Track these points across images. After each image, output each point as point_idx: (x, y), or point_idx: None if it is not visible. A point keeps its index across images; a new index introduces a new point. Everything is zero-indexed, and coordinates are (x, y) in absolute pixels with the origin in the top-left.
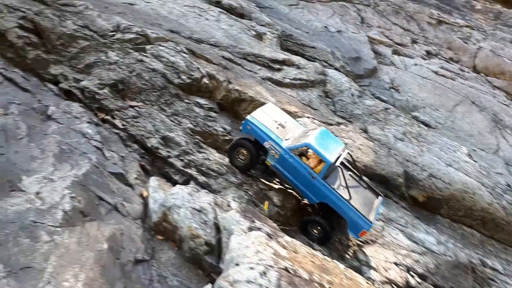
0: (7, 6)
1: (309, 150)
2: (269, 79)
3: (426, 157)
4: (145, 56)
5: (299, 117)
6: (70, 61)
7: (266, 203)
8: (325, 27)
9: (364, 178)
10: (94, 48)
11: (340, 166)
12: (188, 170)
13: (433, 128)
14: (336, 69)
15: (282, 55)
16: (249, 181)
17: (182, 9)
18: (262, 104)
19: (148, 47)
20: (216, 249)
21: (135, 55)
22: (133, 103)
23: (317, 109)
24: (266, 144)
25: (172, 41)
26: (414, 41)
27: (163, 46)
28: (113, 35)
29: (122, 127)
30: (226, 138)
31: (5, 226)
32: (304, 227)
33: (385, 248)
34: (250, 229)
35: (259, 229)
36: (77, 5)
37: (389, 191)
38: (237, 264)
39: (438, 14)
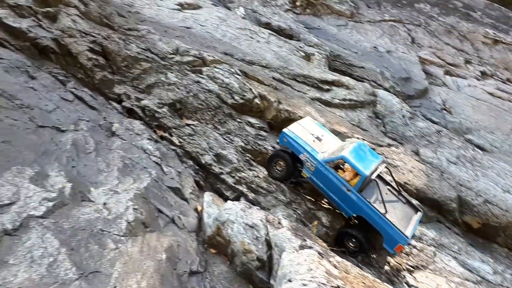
0: (80, 31)
1: (345, 163)
2: (318, 99)
3: (482, 182)
4: (201, 77)
5: (348, 137)
6: (133, 81)
7: (315, 223)
8: (374, 47)
9: (403, 193)
10: (154, 69)
11: (377, 179)
12: (239, 187)
13: (489, 152)
14: (385, 89)
15: (331, 76)
16: (297, 200)
17: (235, 32)
18: None
19: (204, 69)
20: (267, 265)
21: (192, 76)
22: (189, 122)
23: (366, 130)
24: (302, 156)
25: (227, 63)
26: (467, 62)
27: (218, 68)
28: (173, 57)
29: (178, 144)
30: None
31: (77, 233)
32: (340, 239)
33: (436, 275)
34: (302, 247)
35: (310, 247)
36: (140, 30)
37: (442, 216)
38: (290, 280)
39: (494, 33)
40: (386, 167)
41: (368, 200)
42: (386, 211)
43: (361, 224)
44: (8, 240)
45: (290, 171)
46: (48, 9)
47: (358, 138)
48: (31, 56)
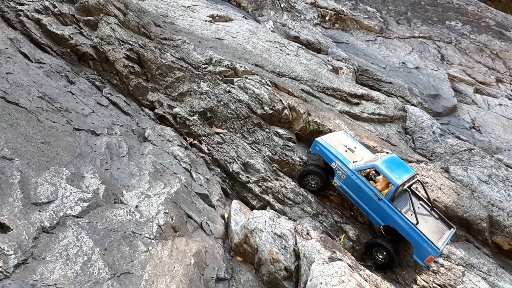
0: (118, 39)
1: (377, 175)
2: (347, 112)
3: None
4: (232, 87)
5: (378, 151)
6: (166, 89)
7: (342, 237)
8: (403, 63)
9: (436, 210)
10: (188, 78)
11: (409, 190)
12: (265, 196)
13: None
14: (413, 105)
15: (361, 90)
16: (324, 213)
17: (265, 44)
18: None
19: (235, 79)
20: (294, 276)
21: (224, 86)
22: (219, 130)
23: (396, 145)
24: (333, 165)
25: (258, 74)
26: (499, 80)
27: (249, 79)
28: (206, 67)
29: (207, 151)
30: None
31: (110, 234)
32: (369, 250)
33: None
34: (331, 259)
35: (340, 260)
36: (176, 40)
37: (471, 236)
38: None
39: None
40: (418, 180)
41: (399, 210)
42: (418, 222)
43: (391, 237)
44: (45, 238)
45: (324, 183)
46: (90, 17)
47: (388, 152)
48: (71, 62)
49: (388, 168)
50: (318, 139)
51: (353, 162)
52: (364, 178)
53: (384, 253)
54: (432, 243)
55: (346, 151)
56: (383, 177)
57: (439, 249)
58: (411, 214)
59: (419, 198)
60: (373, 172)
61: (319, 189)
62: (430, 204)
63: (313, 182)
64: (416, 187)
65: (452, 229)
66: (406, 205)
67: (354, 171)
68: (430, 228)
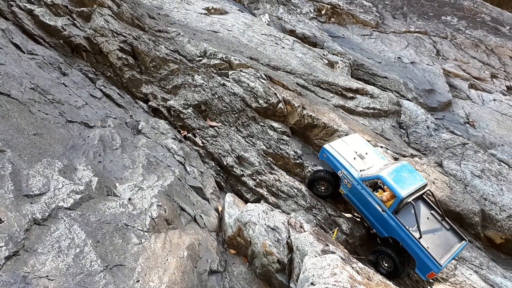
0: (112, 31)
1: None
2: (342, 106)
3: (506, 197)
4: (227, 80)
5: (372, 145)
6: (160, 82)
7: (336, 230)
8: (398, 58)
9: (447, 220)
10: (182, 71)
11: (413, 203)
12: (259, 190)
13: None
14: (408, 100)
15: (356, 84)
16: (318, 206)
17: (261, 38)
18: (335, 130)
19: (230, 72)
20: (287, 268)
21: (218, 79)
22: (213, 123)
23: (390, 139)
24: (339, 173)
25: (252, 68)
26: (494, 76)
27: (244, 72)
28: (200, 60)
29: (201, 144)
30: (297, 161)
31: (103, 226)
32: (375, 258)
33: None
34: (324, 251)
35: (333, 252)
36: (170, 32)
37: (463, 230)
38: (313, 284)
39: None
40: (428, 190)
41: (402, 223)
42: (421, 236)
43: (397, 245)
44: (37, 229)
45: (335, 189)
46: (83, 8)
47: (381, 147)
48: (64, 53)
49: (394, 179)
50: (326, 146)
51: (361, 171)
52: (369, 189)
53: (390, 261)
54: (434, 259)
55: (354, 158)
56: (387, 187)
57: (441, 266)
58: (416, 227)
59: (431, 207)
60: (379, 180)
61: (330, 194)
62: (441, 214)
63: (323, 188)
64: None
65: (464, 241)
66: (412, 217)
67: (359, 181)
68: (437, 241)
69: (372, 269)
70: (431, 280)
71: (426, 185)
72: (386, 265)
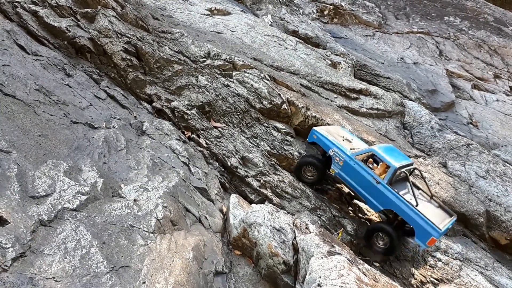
0: (116, 32)
1: (375, 164)
2: (346, 107)
3: (511, 198)
4: (231, 81)
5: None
6: (164, 83)
7: (341, 231)
8: (401, 58)
9: (435, 198)
10: (186, 72)
11: (407, 173)
12: (264, 191)
13: None
14: (411, 100)
15: (359, 85)
16: (322, 207)
17: (264, 39)
18: None
19: (234, 73)
20: (293, 270)
21: (222, 80)
22: (217, 124)
23: (394, 140)
24: (331, 151)
25: (256, 69)
26: (497, 76)
27: (248, 72)
28: (204, 61)
29: (206, 145)
30: None
31: (108, 227)
32: (369, 237)
33: None
34: (330, 253)
35: (339, 254)
36: (174, 33)
37: (468, 230)
38: (320, 285)
39: None
40: (417, 169)
41: (397, 192)
42: (417, 204)
43: (392, 222)
44: (43, 231)
45: (320, 175)
46: (87, 9)
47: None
48: (68, 55)
49: (385, 151)
50: (315, 128)
51: (351, 149)
52: (362, 163)
53: (385, 238)
54: (433, 223)
55: (343, 140)
56: (381, 163)
57: (441, 230)
58: (411, 198)
59: (418, 188)
60: (371, 160)
61: (315, 181)
62: (429, 194)
63: (309, 174)
64: (417, 175)
65: (453, 216)
66: (405, 189)
67: (351, 156)
68: (431, 212)
69: (378, 271)
70: (436, 281)
71: (413, 164)
72: (380, 243)
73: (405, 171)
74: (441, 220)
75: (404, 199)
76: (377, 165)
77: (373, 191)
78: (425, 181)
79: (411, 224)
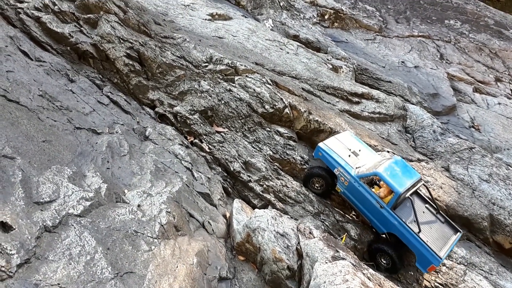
0: (119, 38)
1: (382, 181)
2: (347, 111)
3: None
4: (233, 86)
5: (379, 150)
6: (166, 88)
7: (344, 236)
8: (402, 62)
9: (442, 212)
10: (188, 77)
11: (411, 197)
12: (267, 196)
13: None
14: (412, 104)
15: (361, 89)
16: (326, 212)
17: (265, 43)
18: None
19: (236, 78)
20: (297, 275)
21: (225, 85)
22: (220, 129)
23: (396, 144)
24: (336, 171)
25: (258, 73)
26: (498, 79)
27: (250, 77)
28: (206, 66)
29: (208, 150)
30: (304, 166)
31: (112, 233)
32: (372, 254)
33: None
34: (334, 258)
35: (343, 258)
36: (176, 38)
37: (472, 235)
38: None
39: None
40: (424, 184)
41: (401, 218)
42: (420, 230)
43: (394, 241)
44: (48, 237)
45: (329, 186)
46: (90, 15)
47: (388, 151)
48: (71, 60)
49: (390, 174)
50: (320, 144)
51: (356, 168)
52: (366, 186)
53: (388, 258)
54: (434, 252)
55: (349, 155)
56: (385, 183)
57: (441, 258)
58: (414, 221)
59: (425, 201)
60: (377, 177)
61: (323, 192)
62: (435, 207)
63: (318, 185)
64: (423, 189)
65: (458, 233)
66: (409, 211)
67: (356, 178)
68: (434, 235)
69: (383, 276)
70: (440, 286)
71: (420, 179)
72: (384, 261)
73: (411, 193)
74: (444, 243)
75: (407, 225)
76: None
77: (377, 214)
78: (430, 195)
79: (412, 250)
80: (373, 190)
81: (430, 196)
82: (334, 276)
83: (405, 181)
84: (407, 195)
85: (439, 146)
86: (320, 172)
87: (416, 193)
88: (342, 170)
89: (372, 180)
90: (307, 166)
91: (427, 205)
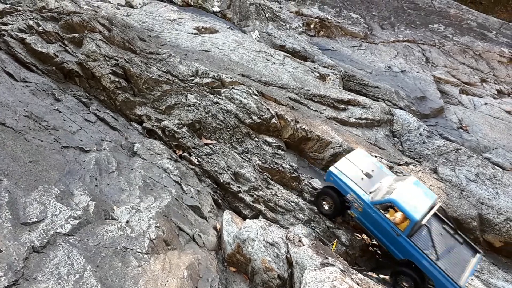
0: (104, 55)
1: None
2: (335, 118)
3: (503, 200)
4: (220, 98)
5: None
6: (153, 103)
7: (335, 242)
8: (389, 67)
9: (460, 232)
10: (175, 91)
11: (428, 225)
12: (257, 205)
13: (508, 170)
14: (400, 108)
15: (347, 96)
16: (316, 219)
17: (251, 54)
18: (329, 142)
19: (223, 90)
20: (288, 283)
21: (211, 97)
22: (208, 141)
23: (384, 149)
24: (349, 197)
25: (244, 85)
26: (483, 80)
27: (236, 89)
28: (192, 79)
29: (197, 163)
30: (293, 175)
31: (102, 250)
32: (394, 278)
33: None
34: (323, 264)
35: (332, 265)
36: (162, 53)
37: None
38: None
39: (510, 52)
40: (440, 206)
41: (418, 245)
42: (438, 258)
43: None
44: (36, 257)
45: (339, 209)
46: (74, 34)
47: (376, 156)
48: (57, 80)
49: (406, 200)
50: (332, 168)
51: (370, 193)
52: (381, 212)
53: (410, 281)
54: (454, 281)
55: (362, 178)
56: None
57: (461, 287)
58: (432, 247)
59: (442, 221)
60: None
61: (331, 214)
62: (453, 227)
63: (327, 206)
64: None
65: (478, 254)
66: (427, 237)
67: (370, 205)
68: (453, 260)
69: (373, 280)
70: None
71: (437, 201)
72: (406, 285)
73: (427, 220)
74: (464, 268)
75: (424, 253)
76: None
77: (394, 241)
78: (447, 216)
79: (431, 278)
80: (387, 215)
81: (447, 217)
82: (322, 282)
83: (421, 206)
84: (423, 222)
85: (426, 149)
86: (331, 193)
87: (430, 231)
88: (355, 196)
89: (387, 209)
90: (298, 174)
91: (444, 226)
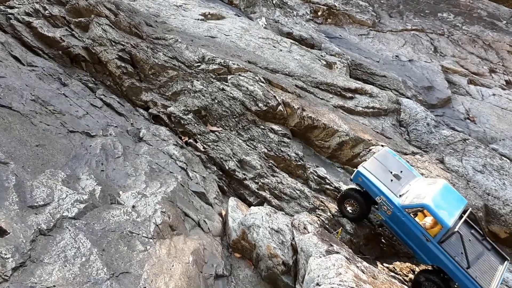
0: (110, 40)
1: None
2: (341, 107)
3: (509, 191)
4: (226, 85)
5: (373, 145)
6: (160, 89)
7: (340, 230)
8: (396, 56)
9: (488, 239)
10: (181, 77)
11: (460, 232)
12: (262, 193)
13: None
14: (407, 98)
15: (354, 84)
16: (321, 207)
17: (258, 41)
18: (335, 131)
19: (229, 77)
20: (292, 270)
21: (218, 84)
22: (214, 128)
23: (390, 138)
24: (378, 199)
25: (251, 71)
26: (492, 71)
27: (243, 76)
28: (199, 65)
29: (203, 150)
30: (299, 163)
31: (107, 234)
32: (418, 282)
33: None
34: (328, 252)
35: (337, 252)
36: (168, 39)
37: None
38: (318, 284)
39: None
40: (471, 212)
41: (449, 252)
42: (469, 266)
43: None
44: (43, 240)
45: (364, 212)
46: (81, 19)
47: (382, 145)
48: (63, 64)
49: (438, 205)
50: (360, 168)
51: (400, 196)
52: (411, 216)
53: (435, 286)
54: None
55: (391, 180)
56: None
57: None
58: (462, 254)
59: (471, 226)
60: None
61: (355, 217)
62: (482, 233)
63: (350, 209)
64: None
65: (506, 261)
66: (458, 244)
67: (401, 209)
68: (483, 267)
69: (377, 268)
70: None
71: (467, 205)
72: None
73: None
74: (493, 275)
75: (455, 260)
76: None
77: (423, 247)
78: (477, 222)
79: (460, 285)
80: (417, 219)
81: (476, 221)
82: (328, 270)
83: (453, 212)
84: (456, 229)
85: (433, 139)
86: (356, 196)
87: (463, 240)
88: (385, 199)
89: (416, 214)
90: (303, 162)
91: (472, 231)
